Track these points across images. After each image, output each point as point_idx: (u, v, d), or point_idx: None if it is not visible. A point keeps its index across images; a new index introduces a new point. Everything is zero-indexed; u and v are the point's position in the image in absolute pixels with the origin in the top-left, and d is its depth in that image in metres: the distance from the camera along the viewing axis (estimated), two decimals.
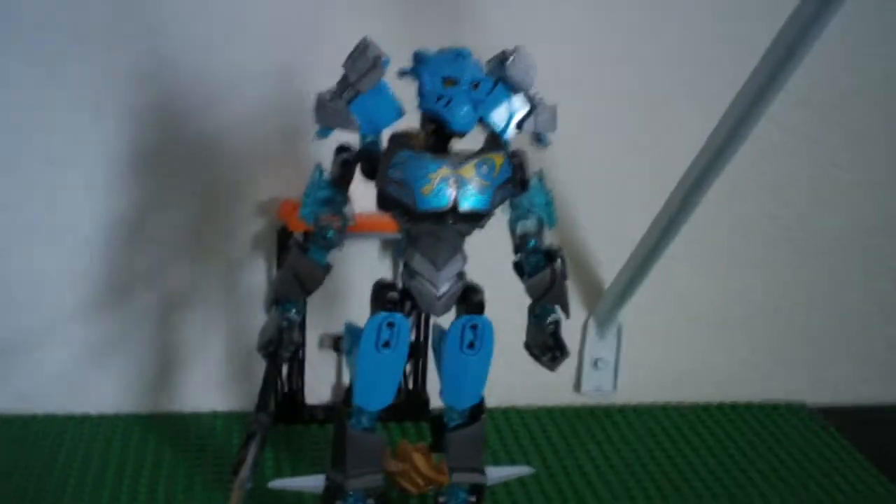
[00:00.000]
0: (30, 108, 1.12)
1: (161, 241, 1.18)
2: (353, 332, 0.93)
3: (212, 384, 1.22)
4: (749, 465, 1.19)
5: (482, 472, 0.95)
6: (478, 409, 0.94)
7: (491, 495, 1.05)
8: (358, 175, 0.90)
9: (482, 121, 0.88)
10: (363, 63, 0.85)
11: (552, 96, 0.91)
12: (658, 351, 1.32)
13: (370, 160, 0.88)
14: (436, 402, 1.02)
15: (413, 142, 0.87)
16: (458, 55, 0.85)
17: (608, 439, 1.23)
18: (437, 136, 0.86)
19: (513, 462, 1.15)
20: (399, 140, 0.87)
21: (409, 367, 1.21)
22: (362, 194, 0.90)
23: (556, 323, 0.95)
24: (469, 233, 0.89)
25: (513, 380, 1.19)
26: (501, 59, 0.88)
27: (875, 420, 1.35)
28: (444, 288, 0.90)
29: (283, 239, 1.15)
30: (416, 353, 1.20)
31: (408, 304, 0.92)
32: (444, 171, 0.85)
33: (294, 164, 1.14)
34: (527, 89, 0.89)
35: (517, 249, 0.95)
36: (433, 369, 0.96)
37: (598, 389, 1.32)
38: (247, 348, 1.17)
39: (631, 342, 1.31)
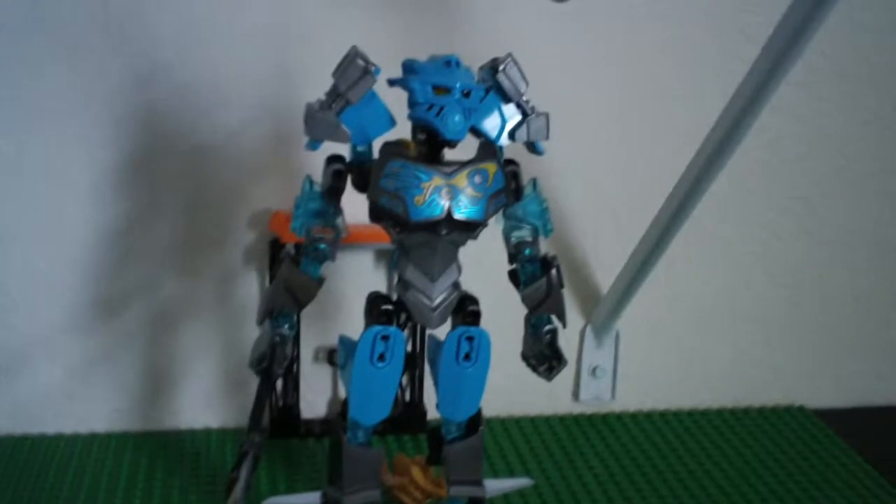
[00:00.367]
0: (17, 118, 1.10)
1: (151, 253, 1.16)
2: (348, 346, 0.91)
3: (204, 400, 1.21)
4: (750, 470, 1.18)
5: (481, 484, 0.94)
6: (475, 421, 0.93)
7: None
8: (349, 186, 0.89)
9: (474, 129, 0.87)
10: (353, 73, 0.84)
11: (546, 102, 0.90)
12: (656, 357, 1.31)
13: (361, 171, 0.87)
14: (433, 414, 1.01)
15: (405, 151, 0.86)
16: (449, 63, 0.84)
17: (607, 448, 1.22)
18: (429, 145, 0.86)
19: (512, 472, 1.14)
20: (391, 150, 0.86)
21: (405, 379, 1.20)
22: (354, 204, 0.89)
23: (553, 332, 0.94)
24: (463, 243, 0.88)
25: (510, 389, 1.18)
26: (493, 67, 0.87)
27: (875, 422, 1.35)
28: (438, 299, 0.89)
29: (275, 251, 1.14)
30: (412, 364, 1.19)
31: (402, 317, 0.91)
32: (437, 180, 0.84)
33: (285, 175, 1.13)
34: (519, 97, 0.88)
35: (512, 259, 0.94)
36: (430, 381, 0.95)
37: (597, 397, 1.30)
38: (240, 363, 1.16)
39: (629, 349, 1.30)
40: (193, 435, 1.19)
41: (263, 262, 1.17)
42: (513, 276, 0.94)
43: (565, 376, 1.26)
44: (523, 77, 0.87)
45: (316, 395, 1.23)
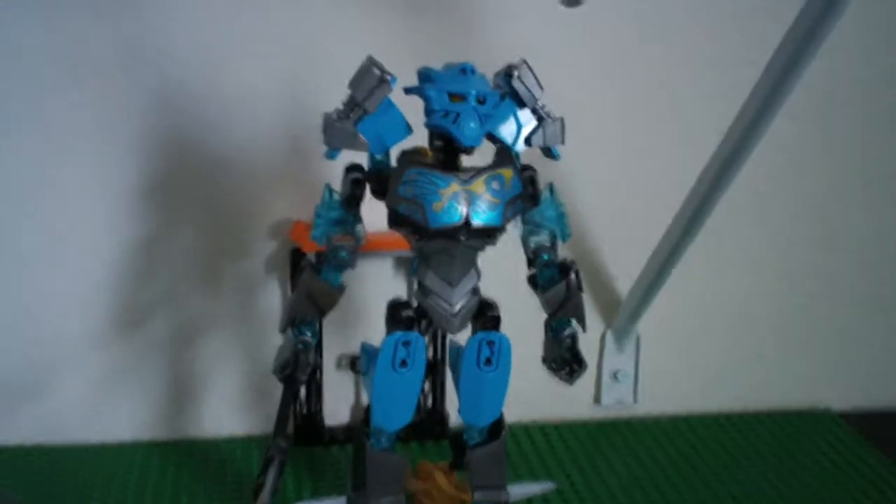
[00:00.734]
0: (40, 137, 1.12)
1: (174, 265, 1.18)
2: (370, 353, 0.92)
3: (229, 408, 1.22)
4: (774, 474, 1.18)
5: (505, 489, 0.94)
6: (498, 426, 0.93)
7: None
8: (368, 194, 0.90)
9: (491, 136, 0.87)
10: (369, 82, 0.85)
11: (561, 107, 0.90)
12: (678, 361, 1.31)
13: (380, 179, 0.88)
14: (455, 420, 1.01)
15: (422, 159, 0.86)
16: (464, 70, 0.84)
17: (631, 452, 1.22)
18: (446, 152, 0.86)
19: (535, 477, 1.14)
20: (408, 157, 0.86)
21: (426, 386, 1.20)
22: (373, 212, 0.90)
23: (573, 336, 0.94)
24: (482, 248, 0.89)
25: (532, 394, 1.18)
26: (507, 73, 0.87)
27: None
28: (458, 305, 0.89)
29: (297, 260, 1.15)
30: (434, 371, 1.19)
31: (423, 323, 0.91)
32: (455, 187, 0.84)
33: (305, 185, 1.14)
34: (534, 103, 0.88)
35: (531, 263, 0.94)
36: (451, 387, 0.95)
37: (619, 402, 1.31)
38: (263, 371, 1.17)
39: (650, 353, 1.30)
40: (218, 443, 1.20)
41: (285, 272, 1.18)
42: (532, 281, 0.94)
43: (587, 381, 1.28)
44: (538, 82, 0.87)
45: (339, 402, 1.23)
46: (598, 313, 1.27)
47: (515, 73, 0.87)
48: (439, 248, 0.87)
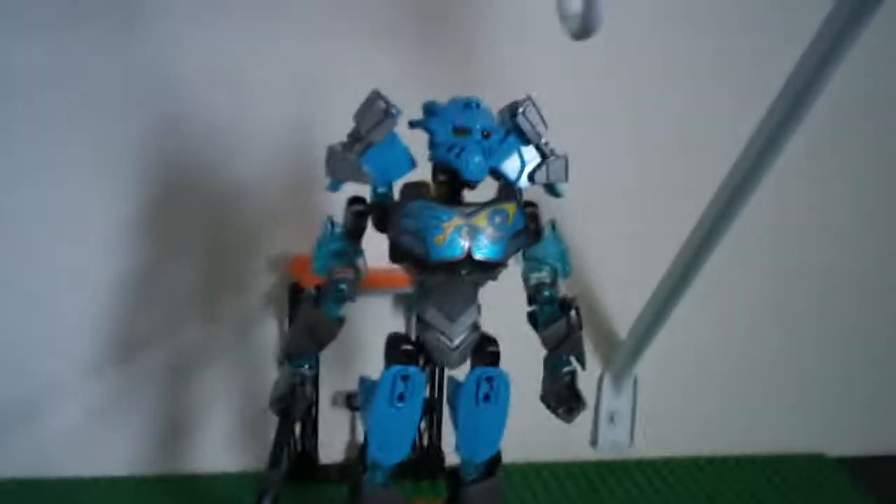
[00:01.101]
0: (38, 166, 1.12)
1: (171, 298, 1.17)
2: (368, 386, 0.92)
3: (223, 444, 1.21)
4: None
5: None
6: (494, 463, 0.93)
7: None
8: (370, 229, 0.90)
9: (494, 171, 0.88)
10: (374, 115, 0.85)
11: (565, 144, 0.90)
12: (675, 404, 1.31)
13: (382, 212, 0.88)
14: (451, 459, 1.01)
15: (425, 192, 0.87)
16: (469, 104, 0.85)
17: (626, 494, 1.22)
18: (450, 186, 0.86)
19: None
20: (411, 190, 0.87)
21: (423, 424, 1.20)
22: (374, 248, 0.90)
23: (572, 374, 0.94)
24: (483, 283, 0.89)
25: (529, 434, 1.17)
26: (512, 110, 0.88)
27: (894, 470, 1.33)
28: (458, 340, 0.89)
29: (295, 295, 1.15)
30: (432, 409, 1.19)
31: (422, 358, 0.91)
32: (457, 220, 0.85)
33: (305, 219, 1.14)
34: (538, 140, 0.89)
35: (531, 300, 0.94)
36: (448, 426, 0.95)
37: (615, 444, 1.30)
38: (259, 407, 1.16)
39: (647, 396, 1.29)
40: (212, 479, 1.19)
41: (283, 306, 1.18)
42: (531, 318, 0.94)
43: (583, 423, 1.27)
44: (542, 120, 0.88)
45: (334, 440, 1.23)
46: (595, 354, 1.27)
47: (520, 111, 0.87)
48: (440, 281, 0.87)
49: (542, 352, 0.94)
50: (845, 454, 1.35)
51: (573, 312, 0.92)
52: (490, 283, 0.89)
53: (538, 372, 0.96)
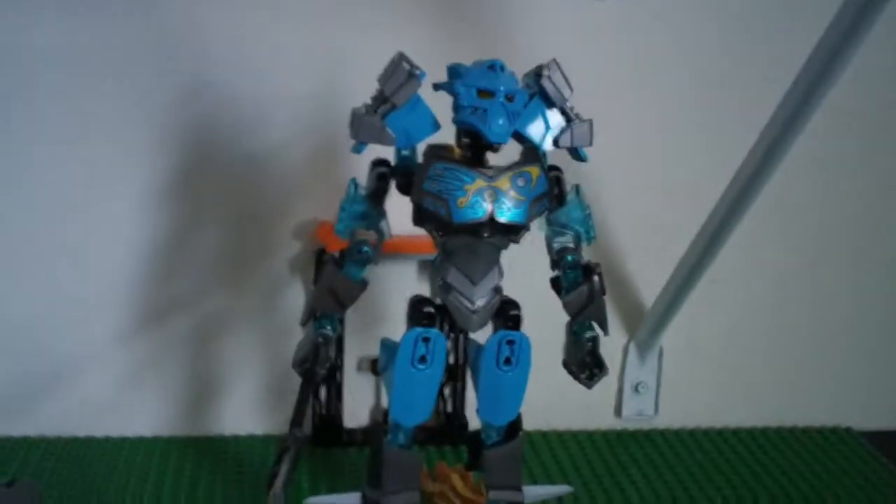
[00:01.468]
0: (67, 136, 1.13)
1: (198, 264, 1.18)
2: (389, 348, 0.92)
3: (249, 407, 1.22)
4: (794, 491, 1.16)
5: (520, 489, 0.94)
6: (515, 427, 0.93)
7: None
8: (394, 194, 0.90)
9: (518, 135, 0.87)
10: (398, 77, 0.85)
11: (590, 111, 0.90)
12: (700, 375, 1.30)
13: (406, 174, 0.88)
14: (474, 425, 1.01)
15: (449, 154, 0.87)
16: (493, 66, 0.85)
17: (650, 463, 1.21)
18: (473, 148, 0.86)
19: (552, 484, 1.13)
20: (435, 152, 0.87)
21: (447, 391, 1.20)
22: (398, 215, 0.90)
23: (595, 339, 0.94)
24: (505, 246, 0.89)
25: (552, 403, 1.18)
26: (537, 73, 0.88)
27: None
28: (480, 302, 0.89)
29: (321, 260, 1.15)
30: (454, 376, 1.19)
31: (444, 322, 0.91)
32: (480, 183, 0.85)
33: (330, 185, 1.13)
34: (563, 102, 0.88)
35: (554, 265, 0.93)
36: (471, 393, 0.95)
37: (640, 414, 1.30)
38: (285, 371, 1.15)
39: (672, 366, 1.29)
40: (238, 441, 1.21)
41: (309, 272, 1.19)
42: (555, 283, 0.94)
43: (608, 392, 1.27)
44: (567, 82, 0.88)
45: (359, 404, 1.24)
46: (621, 324, 1.27)
47: (545, 73, 0.87)
48: (462, 244, 0.87)
49: (564, 323, 0.94)
50: (873, 428, 1.33)
51: (596, 278, 0.92)
52: (513, 248, 0.89)
53: (560, 344, 0.96)
